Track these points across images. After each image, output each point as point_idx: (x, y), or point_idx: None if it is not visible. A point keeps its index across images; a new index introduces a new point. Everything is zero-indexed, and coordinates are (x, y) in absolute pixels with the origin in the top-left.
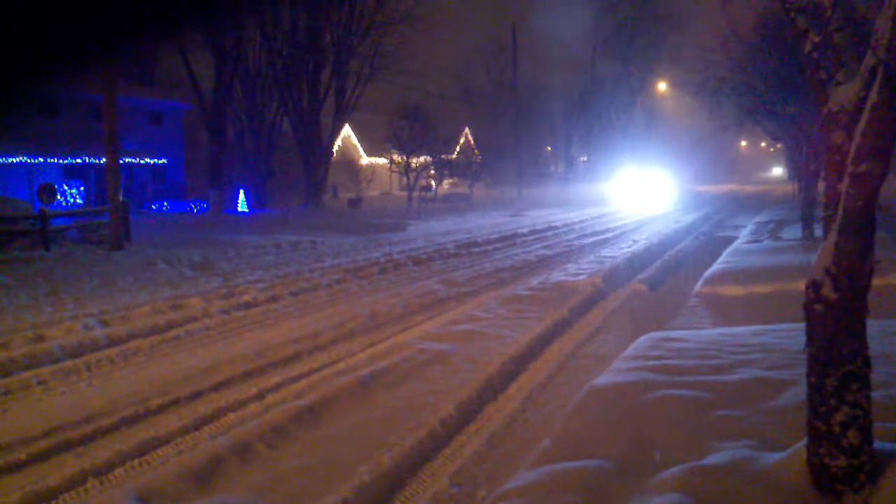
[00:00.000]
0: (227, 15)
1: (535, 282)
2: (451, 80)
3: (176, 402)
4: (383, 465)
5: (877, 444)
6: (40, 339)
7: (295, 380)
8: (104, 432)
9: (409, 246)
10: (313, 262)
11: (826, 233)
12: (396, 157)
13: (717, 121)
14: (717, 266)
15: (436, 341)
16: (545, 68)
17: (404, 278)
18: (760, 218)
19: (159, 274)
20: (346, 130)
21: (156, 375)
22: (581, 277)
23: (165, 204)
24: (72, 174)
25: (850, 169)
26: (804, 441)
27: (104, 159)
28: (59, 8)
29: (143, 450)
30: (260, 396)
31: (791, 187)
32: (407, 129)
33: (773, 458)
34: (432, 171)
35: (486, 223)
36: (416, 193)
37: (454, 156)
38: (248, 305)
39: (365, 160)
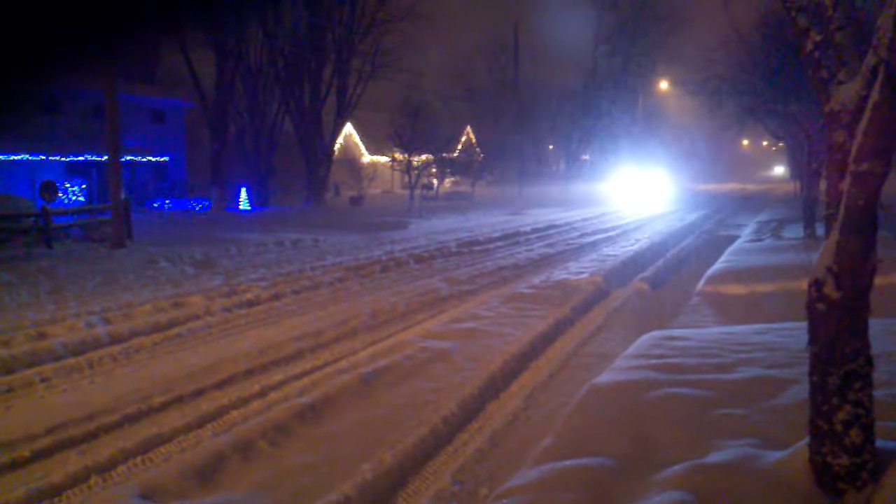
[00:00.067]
0: (229, 13)
1: (537, 280)
2: (452, 79)
3: (178, 400)
4: (385, 463)
5: (879, 443)
6: (43, 336)
7: (297, 377)
8: (107, 429)
9: (410, 244)
10: (315, 261)
11: (828, 232)
12: (398, 156)
13: (718, 120)
14: (719, 265)
15: (438, 339)
16: (547, 67)
17: (406, 276)
18: (762, 217)
19: (161, 272)
20: (348, 128)
21: (158, 373)
22: (583, 276)
23: (167, 202)
24: (74, 172)
25: (851, 168)
26: (806, 440)
27: (106, 157)
28: (61, 7)
29: (146, 447)
30: (262, 394)
31: (793, 186)
32: (409, 127)
33: (775, 456)
34: (434, 170)
35: (487, 221)
36: (417, 192)
37: (456, 154)
38: (250, 303)
39: (366, 158)
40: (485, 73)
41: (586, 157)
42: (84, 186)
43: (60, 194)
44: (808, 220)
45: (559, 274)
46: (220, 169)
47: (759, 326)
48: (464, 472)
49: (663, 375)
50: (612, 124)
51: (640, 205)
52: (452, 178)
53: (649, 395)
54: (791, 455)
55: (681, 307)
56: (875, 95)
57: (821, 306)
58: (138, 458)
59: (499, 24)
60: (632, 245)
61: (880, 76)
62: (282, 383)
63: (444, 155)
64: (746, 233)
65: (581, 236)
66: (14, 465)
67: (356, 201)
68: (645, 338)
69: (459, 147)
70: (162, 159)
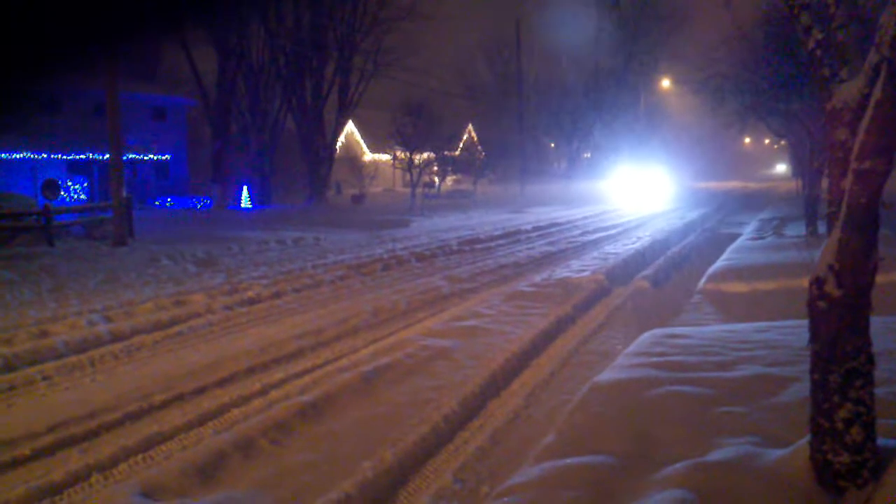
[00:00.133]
0: (231, 11)
1: (538, 278)
2: (454, 77)
3: (180, 398)
4: (386, 461)
5: (880, 441)
6: (44, 334)
7: (298, 376)
8: (108, 428)
9: (412, 242)
10: (316, 259)
11: (830, 230)
12: (400, 154)
13: (719, 118)
14: (720, 263)
15: (439, 338)
16: (548, 66)
17: (407, 275)
18: (764, 215)
19: (162, 270)
20: (350, 127)
21: (159, 371)
22: (584, 274)
23: (169, 200)
24: (75, 170)
25: (853, 166)
26: (807, 438)
27: (108, 155)
28: (61, 6)
29: (147, 445)
30: (263, 392)
31: (795, 184)
32: (410, 125)
33: (776, 454)
34: (435, 168)
35: (489, 220)
36: (419, 190)
37: (457, 152)
38: (251, 301)
39: (368, 156)
40: (486, 71)
41: (587, 155)
42: (86, 184)
43: (62, 192)
44: (810, 218)
45: (561, 272)
46: (222, 167)
47: (760, 324)
48: (465, 470)
49: (664, 373)
50: (613, 122)
51: (641, 203)
52: (454, 177)
53: (650, 393)
54: (792, 453)
55: (682, 305)
56: (877, 93)
57: (822, 304)
58: (139, 456)
59: (501, 22)
60: (633, 243)
61: (882, 74)
62: (283, 381)
63: (445, 153)
64: (748, 231)
65: (582, 234)
66: (15, 463)
67: (358, 199)
68: (646, 336)
69: (461, 145)
70: (163, 157)
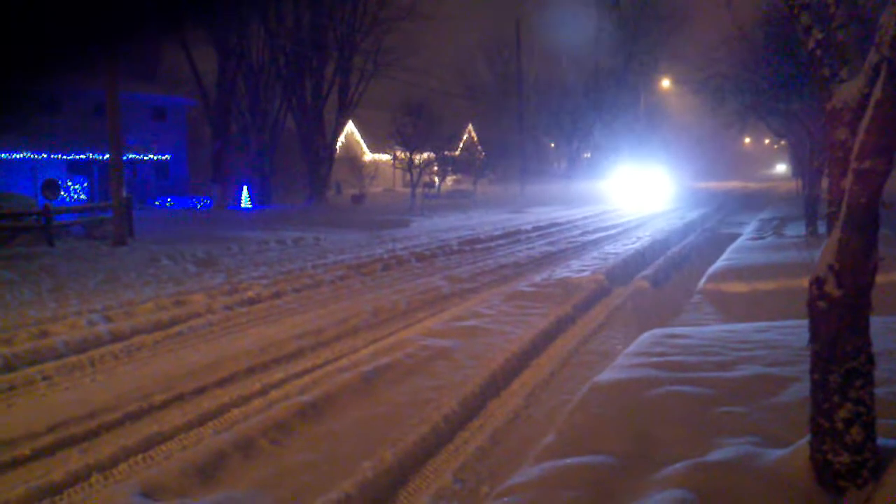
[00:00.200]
0: (231, 11)
1: (538, 278)
2: (454, 77)
3: (180, 398)
4: (386, 461)
5: (880, 441)
6: (44, 334)
7: (298, 376)
8: (108, 428)
9: (412, 242)
10: (316, 259)
11: (830, 230)
12: (400, 154)
13: (720, 117)
14: (720, 263)
15: (439, 338)
16: (548, 66)
17: (407, 275)
18: (764, 215)
19: (163, 270)
20: (350, 127)
21: (159, 371)
22: (584, 274)
23: (169, 200)
24: (75, 170)
25: (853, 166)
26: (807, 438)
27: (108, 155)
28: (61, 7)
29: (147, 445)
30: (263, 392)
31: (795, 184)
32: (410, 125)
33: (775, 454)
34: (435, 168)
35: (489, 219)
36: (419, 190)
37: (457, 152)
38: (251, 301)
39: (368, 156)
40: (487, 71)
41: (587, 155)
42: (86, 184)
43: (62, 192)
44: (810, 218)
45: (561, 272)
46: (222, 167)
47: (760, 324)
48: (465, 470)
49: (664, 373)
50: (613, 122)
51: (641, 203)
52: (454, 177)
53: (650, 393)
54: (792, 453)
55: (682, 305)
56: (877, 93)
57: (822, 304)
58: (139, 456)
59: (500, 22)
60: (633, 243)
61: (883, 74)
62: (283, 381)
63: (445, 153)
64: (748, 231)
65: (582, 234)
66: (15, 463)
67: (358, 199)
68: (646, 336)
69: (461, 145)
70: (163, 157)
